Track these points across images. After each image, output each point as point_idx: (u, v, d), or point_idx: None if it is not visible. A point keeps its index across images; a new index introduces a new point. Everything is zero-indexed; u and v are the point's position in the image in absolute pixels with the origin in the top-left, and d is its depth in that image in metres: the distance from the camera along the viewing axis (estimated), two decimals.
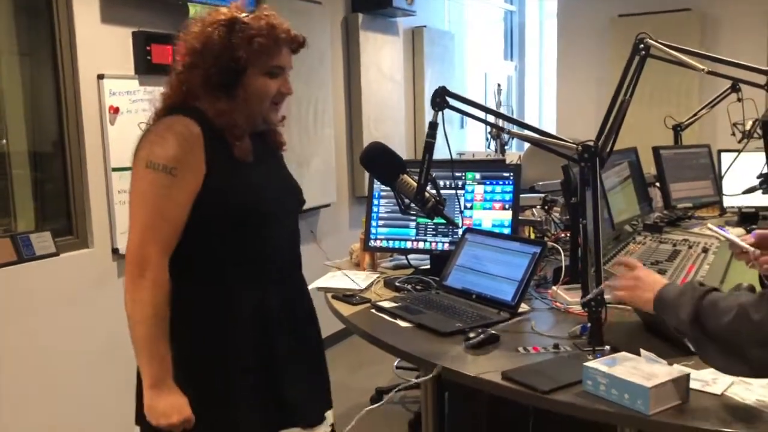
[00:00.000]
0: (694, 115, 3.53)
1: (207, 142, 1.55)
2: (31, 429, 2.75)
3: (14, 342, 2.72)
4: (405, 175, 1.76)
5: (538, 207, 2.77)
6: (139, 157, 1.55)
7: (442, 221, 2.43)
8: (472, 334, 1.78)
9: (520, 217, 2.84)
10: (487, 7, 7.16)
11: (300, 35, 1.70)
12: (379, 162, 1.81)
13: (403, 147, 5.12)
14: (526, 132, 1.75)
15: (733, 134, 3.22)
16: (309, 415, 1.75)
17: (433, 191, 1.76)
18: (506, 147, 3.35)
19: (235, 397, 1.60)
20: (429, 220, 2.40)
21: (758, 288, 2.15)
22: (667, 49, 2.04)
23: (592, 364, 1.47)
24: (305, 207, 4.31)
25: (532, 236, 2.79)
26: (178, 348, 1.54)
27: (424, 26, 5.49)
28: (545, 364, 1.62)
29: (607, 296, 1.67)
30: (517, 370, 1.57)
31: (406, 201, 1.80)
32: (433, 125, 1.75)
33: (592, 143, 1.70)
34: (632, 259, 1.77)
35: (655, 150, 3.24)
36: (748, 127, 3.06)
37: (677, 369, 1.45)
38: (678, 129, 3.55)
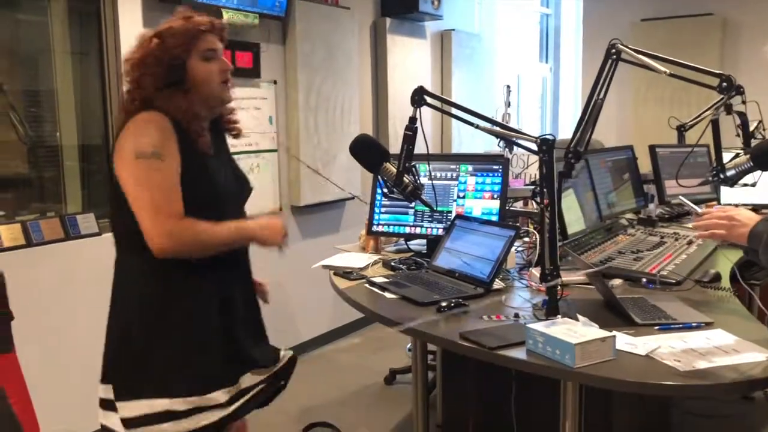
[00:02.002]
0: (697, 116, 3.68)
1: (177, 135, 1.80)
2: (71, 395, 3.09)
3: (59, 309, 3.07)
4: (387, 163, 2.02)
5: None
6: (126, 150, 1.77)
7: (441, 209, 2.71)
8: (444, 304, 2.03)
9: (519, 209, 3.08)
10: (520, 10, 7.33)
11: (218, 21, 1.91)
12: (364, 151, 2.07)
13: (429, 144, 5.36)
14: (495, 127, 1.98)
15: (738, 135, 3.36)
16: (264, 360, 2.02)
17: (411, 178, 2.01)
18: (513, 146, 3.56)
19: (207, 348, 1.85)
20: (425, 208, 2.66)
21: (724, 275, 2.35)
22: (635, 54, 2.24)
23: (533, 325, 1.70)
24: (331, 199, 4.64)
25: (531, 227, 3.01)
26: (159, 311, 1.81)
27: (453, 29, 5.71)
28: (500, 328, 1.86)
29: (701, 235, 2.01)
30: (473, 332, 1.81)
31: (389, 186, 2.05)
32: (413, 120, 2.00)
33: (550, 137, 1.92)
34: (723, 207, 2.11)
35: (651, 148, 3.41)
36: (751, 129, 3.21)
37: (606, 332, 1.67)
38: (682, 129, 3.70)
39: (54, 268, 3.04)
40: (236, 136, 2.05)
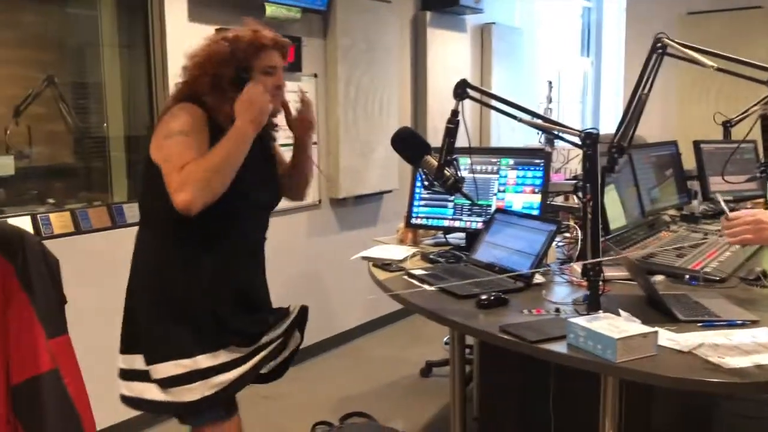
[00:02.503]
0: (744, 112, 3.61)
1: (210, 127, 1.89)
2: (112, 378, 3.18)
3: (107, 294, 3.15)
4: (428, 156, 2.03)
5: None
6: (158, 135, 1.90)
7: (481, 203, 2.72)
8: (484, 297, 2.04)
9: (560, 204, 3.06)
10: (562, 4, 7.25)
11: (284, 40, 2.03)
12: (406, 144, 2.08)
13: (470, 138, 5.35)
14: (537, 121, 1.98)
15: None
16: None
17: (452, 171, 2.02)
18: (555, 141, 3.54)
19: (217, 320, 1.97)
20: (465, 202, 2.67)
21: None
22: (682, 48, 2.21)
23: (574, 320, 1.70)
24: (370, 192, 4.67)
25: (572, 222, 2.99)
26: (176, 286, 1.94)
27: (493, 23, 5.68)
28: (540, 322, 1.86)
29: (730, 240, 1.97)
30: (513, 325, 1.82)
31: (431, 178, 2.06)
32: (455, 113, 2.01)
33: (594, 130, 1.91)
34: (749, 210, 2.08)
35: (696, 144, 3.36)
36: None
37: (649, 328, 1.66)
38: (728, 125, 3.63)
39: (102, 255, 3.13)
40: (273, 138, 2.18)
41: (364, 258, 2.66)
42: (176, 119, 1.88)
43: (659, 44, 2.27)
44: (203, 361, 1.92)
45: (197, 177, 1.78)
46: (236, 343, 1.99)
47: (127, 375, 2.01)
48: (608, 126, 5.97)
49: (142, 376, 1.96)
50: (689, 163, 3.45)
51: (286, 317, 2.15)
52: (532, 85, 6.15)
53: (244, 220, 2.01)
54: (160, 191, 1.83)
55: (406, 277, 2.38)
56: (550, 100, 4.00)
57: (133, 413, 3.20)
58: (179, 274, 1.96)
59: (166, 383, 1.92)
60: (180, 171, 1.79)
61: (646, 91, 2.28)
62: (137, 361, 1.98)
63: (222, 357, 1.96)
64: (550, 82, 4.04)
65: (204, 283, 1.96)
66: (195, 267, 1.96)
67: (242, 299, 2.04)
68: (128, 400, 2.02)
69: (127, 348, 2.04)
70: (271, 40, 1.97)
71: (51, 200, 3.23)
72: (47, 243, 1.78)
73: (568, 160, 3.78)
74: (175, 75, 3.34)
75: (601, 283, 1.89)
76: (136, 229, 3.22)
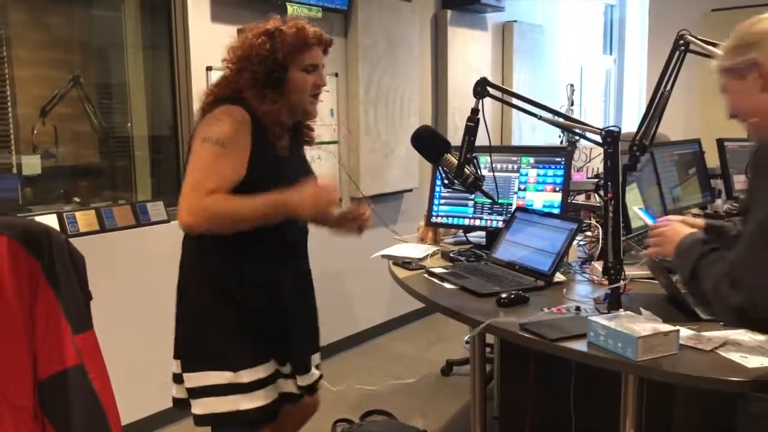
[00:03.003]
0: None
1: (254, 129, 1.86)
2: (142, 373, 3.23)
3: (131, 291, 3.20)
4: (448, 154, 2.03)
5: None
6: (197, 136, 1.85)
7: (501, 201, 2.72)
8: (504, 295, 2.04)
9: (581, 202, 3.05)
10: (584, 1, 7.20)
11: (328, 37, 1.98)
12: (426, 142, 2.09)
13: (490, 137, 5.34)
14: (558, 119, 1.97)
15: None
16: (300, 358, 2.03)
17: (472, 169, 2.02)
18: (576, 140, 3.51)
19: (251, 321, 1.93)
20: (485, 200, 2.67)
21: None
22: (704, 45, 2.19)
23: (595, 318, 1.70)
24: (391, 191, 4.67)
25: (593, 221, 2.98)
26: (214, 281, 1.91)
27: (515, 21, 5.66)
28: (561, 320, 1.86)
29: (644, 252, 1.90)
30: (534, 323, 1.81)
31: (450, 177, 2.06)
32: (475, 111, 2.01)
33: (615, 128, 1.90)
34: (665, 217, 1.88)
35: (719, 142, 3.32)
36: None
37: (670, 326, 1.65)
38: None
39: (126, 252, 3.18)
40: (309, 143, 2.13)
41: (385, 256, 2.67)
42: (219, 125, 1.84)
43: (681, 41, 2.25)
44: (243, 376, 1.90)
45: (215, 213, 1.75)
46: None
47: (175, 378, 2.03)
48: (631, 124, 5.91)
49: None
50: (713, 161, 3.41)
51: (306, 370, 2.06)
52: (553, 83, 6.12)
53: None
54: None
55: (426, 275, 2.39)
56: (572, 103, 3.97)
57: (157, 409, 3.27)
58: (226, 280, 1.92)
59: (193, 394, 1.94)
60: (198, 193, 1.74)
61: (668, 88, 2.27)
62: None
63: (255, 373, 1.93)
64: (572, 85, 4.01)
65: (256, 291, 1.93)
66: (235, 271, 1.91)
67: (291, 307, 2.01)
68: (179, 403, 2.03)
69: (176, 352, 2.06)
70: (315, 37, 1.93)
71: (77, 199, 3.29)
72: (73, 241, 1.81)
73: (590, 159, 3.76)
74: (198, 72, 3.44)
75: (622, 281, 1.89)
76: (159, 227, 3.31)
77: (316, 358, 2.14)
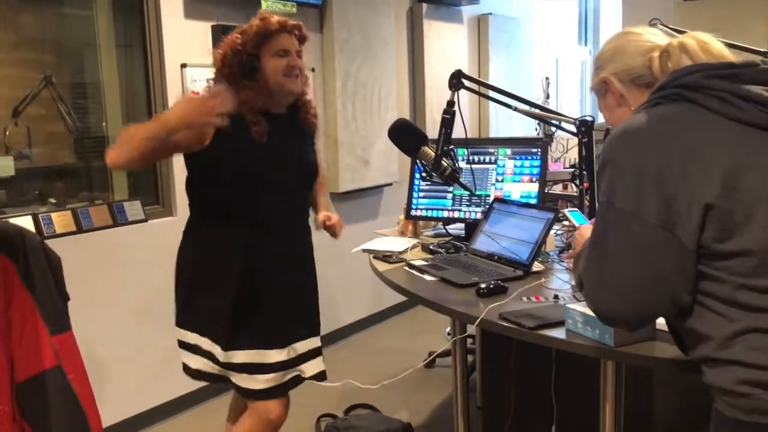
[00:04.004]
0: None
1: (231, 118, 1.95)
2: (120, 372, 3.20)
3: (108, 292, 3.18)
4: (426, 147, 2.04)
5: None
6: None
7: (479, 193, 2.73)
8: (483, 286, 2.05)
9: (558, 192, 3.07)
10: None
11: (294, 22, 2.13)
12: (403, 135, 2.09)
13: (467, 129, 5.37)
14: (533, 110, 1.99)
15: None
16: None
17: (450, 161, 2.03)
18: (553, 132, 3.54)
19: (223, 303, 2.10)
20: (463, 193, 2.68)
21: None
22: (675, 34, 2.21)
23: (573, 306, 1.71)
24: (370, 185, 4.66)
25: None
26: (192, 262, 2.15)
27: (490, 14, 5.68)
28: (539, 309, 1.87)
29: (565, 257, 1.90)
30: (513, 312, 1.83)
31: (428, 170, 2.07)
32: (451, 103, 2.02)
33: (589, 118, 1.92)
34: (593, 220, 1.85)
35: None
36: None
37: None
38: None
39: (104, 252, 3.15)
40: (311, 128, 2.28)
41: (365, 250, 2.67)
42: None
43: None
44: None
45: (120, 140, 1.97)
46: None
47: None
48: None
49: None
50: None
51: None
52: (530, 75, 6.15)
53: (263, 199, 2.10)
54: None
55: (406, 268, 2.40)
56: (547, 96, 4.00)
57: (135, 411, 3.25)
58: (211, 254, 2.14)
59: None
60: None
61: None
62: None
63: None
64: (548, 78, 4.04)
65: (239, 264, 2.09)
66: (225, 246, 2.11)
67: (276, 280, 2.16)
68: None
69: None
70: (277, 24, 2.09)
71: (52, 200, 3.25)
72: (50, 242, 1.80)
73: (567, 150, 3.79)
74: (172, 69, 3.41)
75: None
76: (137, 226, 3.29)
77: (310, 342, 2.26)
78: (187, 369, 2.22)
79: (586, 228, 1.65)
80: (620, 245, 1.25)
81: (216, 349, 2.10)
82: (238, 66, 2.06)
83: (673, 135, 1.22)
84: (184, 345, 2.20)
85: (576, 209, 1.96)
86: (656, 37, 1.48)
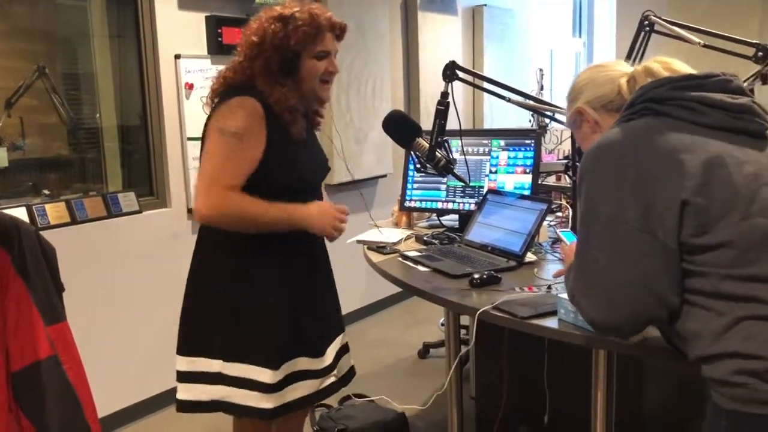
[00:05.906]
0: None
1: (268, 119, 1.85)
2: (110, 365, 3.21)
3: (102, 283, 3.18)
4: (420, 138, 2.05)
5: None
6: (213, 128, 1.86)
7: (473, 184, 2.74)
8: (476, 276, 2.06)
9: (551, 183, 3.08)
10: None
11: (340, 21, 1.96)
12: (397, 127, 2.10)
13: (461, 120, 5.38)
14: (527, 101, 2.00)
15: None
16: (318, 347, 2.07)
17: (444, 152, 2.04)
18: (547, 123, 3.55)
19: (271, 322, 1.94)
20: (457, 184, 2.69)
21: None
22: (668, 25, 2.23)
23: (565, 295, 1.73)
24: (364, 177, 4.67)
25: (563, 201, 3.02)
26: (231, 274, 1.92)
27: (485, 5, 5.67)
28: (532, 299, 1.89)
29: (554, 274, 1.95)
30: (506, 302, 1.84)
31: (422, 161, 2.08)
32: (445, 94, 2.03)
33: None
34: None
35: None
36: None
37: None
38: None
39: (98, 244, 3.15)
40: (315, 128, 2.13)
41: (359, 242, 2.68)
42: (233, 117, 1.84)
43: (646, 22, 2.29)
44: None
45: (227, 211, 1.80)
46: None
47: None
48: None
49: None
50: None
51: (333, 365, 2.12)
52: (524, 66, 6.15)
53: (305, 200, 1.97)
54: None
55: (400, 259, 2.41)
56: (541, 87, 4.01)
57: (131, 401, 3.26)
58: (248, 272, 1.94)
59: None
60: (219, 187, 1.79)
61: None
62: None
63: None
64: (541, 70, 4.05)
65: (277, 283, 1.95)
66: (261, 265, 1.94)
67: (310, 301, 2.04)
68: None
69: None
70: (327, 22, 1.92)
71: (46, 191, 3.25)
72: (44, 233, 1.80)
73: (561, 141, 3.81)
74: (166, 60, 3.40)
75: None
76: (132, 218, 3.29)
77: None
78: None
79: (574, 244, 1.66)
80: (603, 250, 1.30)
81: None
82: (278, 63, 1.86)
83: (646, 143, 1.28)
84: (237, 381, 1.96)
85: (569, 230, 2.02)
86: (623, 66, 1.57)
